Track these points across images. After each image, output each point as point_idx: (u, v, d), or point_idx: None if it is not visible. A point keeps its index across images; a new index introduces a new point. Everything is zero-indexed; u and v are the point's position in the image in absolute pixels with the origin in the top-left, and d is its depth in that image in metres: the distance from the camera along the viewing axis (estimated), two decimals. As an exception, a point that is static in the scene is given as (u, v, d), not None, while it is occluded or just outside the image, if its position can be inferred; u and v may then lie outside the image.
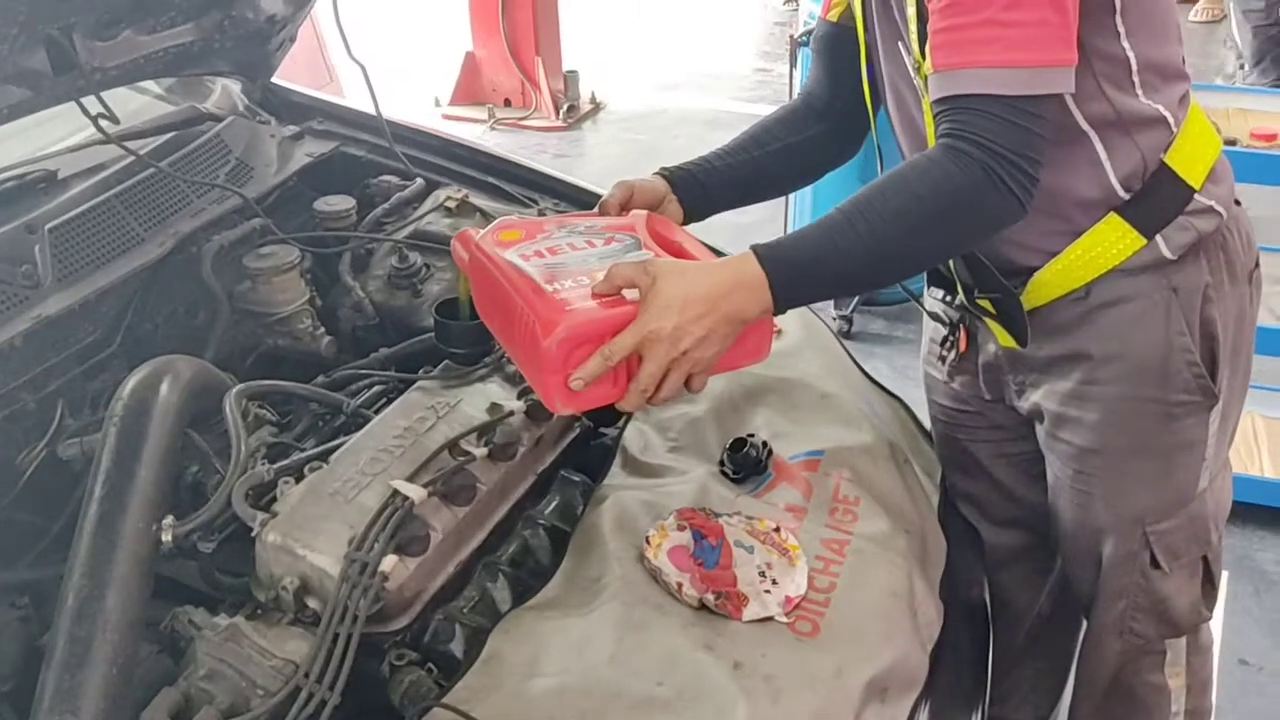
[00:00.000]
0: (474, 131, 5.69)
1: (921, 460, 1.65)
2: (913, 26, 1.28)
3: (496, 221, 1.39)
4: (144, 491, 1.27)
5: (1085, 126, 1.29)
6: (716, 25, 7.46)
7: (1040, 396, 1.47)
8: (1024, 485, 1.65)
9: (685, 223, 1.45)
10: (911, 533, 1.43)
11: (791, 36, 3.40)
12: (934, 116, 1.21)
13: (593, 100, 6.03)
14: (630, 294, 1.18)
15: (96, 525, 1.23)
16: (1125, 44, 1.26)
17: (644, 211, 1.40)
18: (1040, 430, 1.51)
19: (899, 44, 1.36)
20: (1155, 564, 1.46)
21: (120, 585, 1.19)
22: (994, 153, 1.14)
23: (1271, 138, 2.50)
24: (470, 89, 6.01)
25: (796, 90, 3.53)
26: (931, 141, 1.32)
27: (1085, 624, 1.62)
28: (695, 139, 5.30)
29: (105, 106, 1.57)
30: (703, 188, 1.47)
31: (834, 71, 1.55)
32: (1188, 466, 1.42)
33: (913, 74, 1.33)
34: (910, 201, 1.18)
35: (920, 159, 1.20)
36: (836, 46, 1.53)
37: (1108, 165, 1.30)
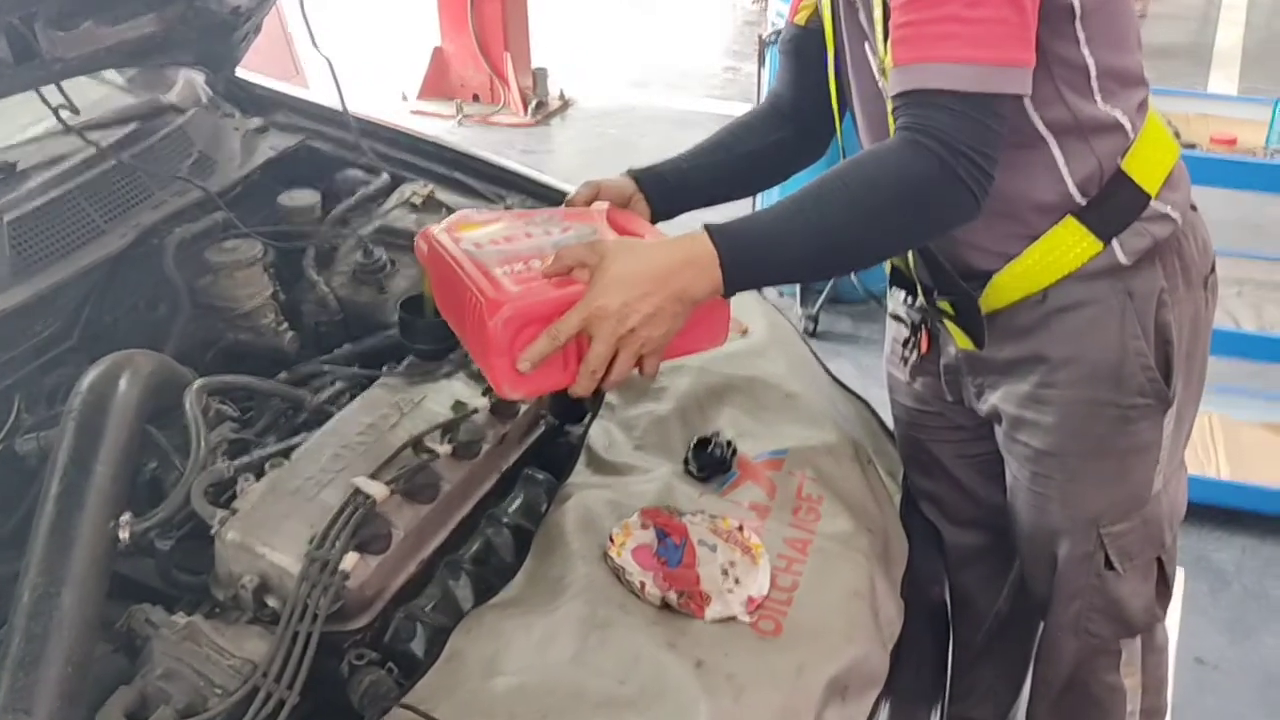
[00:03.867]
0: (442, 127, 5.67)
1: (884, 460, 1.66)
2: (879, 29, 1.29)
3: (455, 214, 1.38)
4: (101, 489, 1.26)
5: (1043, 131, 1.30)
6: (685, 23, 7.46)
7: (998, 399, 1.48)
8: (984, 486, 1.66)
9: (652, 223, 1.45)
10: (874, 532, 1.44)
11: (760, 36, 3.41)
12: (893, 111, 1.22)
13: (561, 97, 6.01)
14: (581, 275, 1.17)
15: (53, 523, 1.22)
16: (1085, 50, 1.27)
17: (605, 204, 1.40)
18: (999, 432, 1.53)
19: (865, 46, 1.37)
20: (1110, 565, 1.48)
21: (76, 583, 1.18)
22: (950, 147, 1.14)
23: (1231, 142, 2.53)
24: (438, 84, 5.98)
25: (765, 90, 3.55)
26: None
27: (1043, 624, 1.63)
28: (664, 137, 5.30)
29: (65, 97, 1.55)
30: (670, 188, 1.47)
31: (801, 74, 1.55)
32: (1142, 469, 1.44)
33: (878, 77, 1.33)
34: (864, 190, 1.18)
35: (878, 149, 1.20)
36: (804, 50, 1.53)
37: (1065, 170, 1.32)
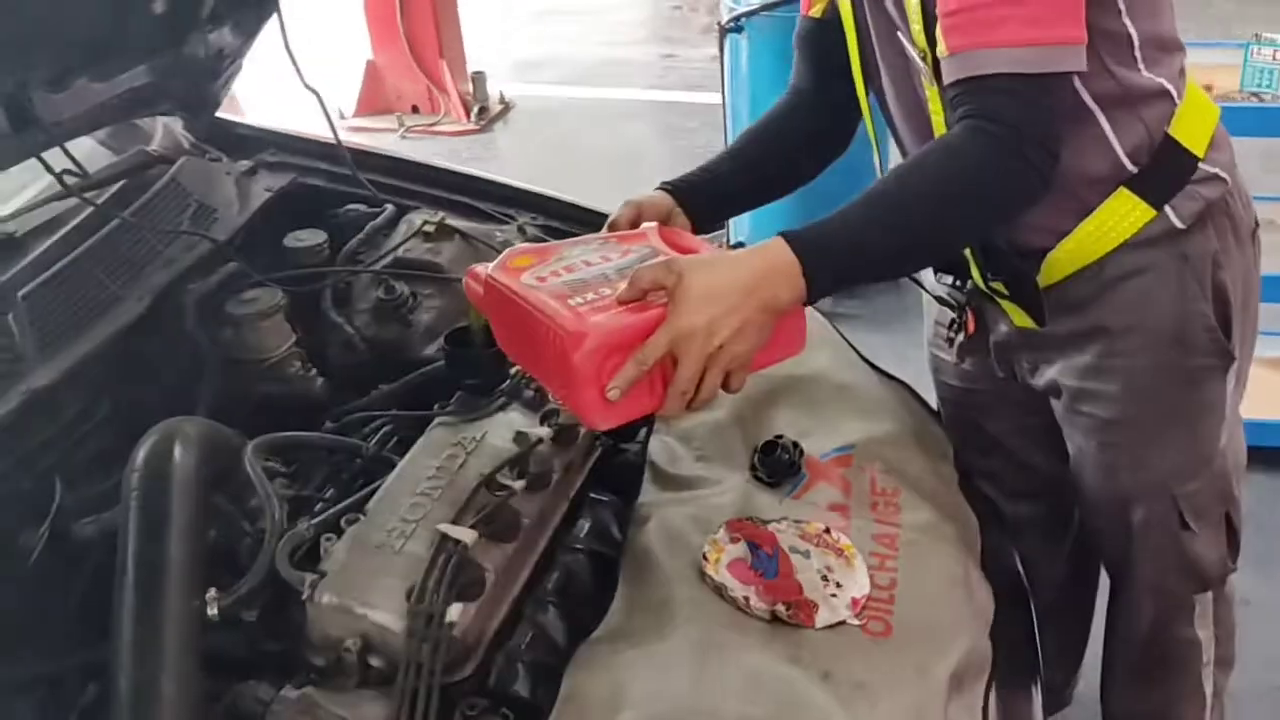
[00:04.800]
0: (385, 142, 5.58)
1: (935, 442, 1.65)
2: (914, 16, 1.28)
3: (506, 251, 1.35)
4: (179, 566, 1.22)
5: (1091, 104, 1.30)
6: (609, 13, 7.39)
7: (1057, 373, 1.49)
8: (1040, 457, 1.67)
9: (695, 234, 1.44)
10: (952, 518, 1.44)
11: (719, 24, 3.39)
12: (951, 100, 1.21)
13: (502, 100, 5.94)
14: (656, 297, 1.15)
15: (137, 609, 1.18)
16: (1126, 20, 1.28)
17: (654, 223, 1.38)
18: (1058, 405, 1.53)
19: (897, 34, 1.36)
20: (1185, 524, 1.49)
21: (174, 669, 1.14)
22: (1016, 131, 1.14)
23: (1208, 89, 2.56)
24: (374, 98, 5.88)
25: (728, 77, 3.54)
26: (939, 128, 1.33)
27: (1113, 587, 1.65)
28: (612, 130, 5.27)
29: (73, 160, 1.49)
30: (707, 197, 1.46)
31: (821, 67, 1.54)
32: (1209, 427, 1.46)
33: (919, 61, 1.32)
34: (938, 183, 1.17)
35: (945, 140, 1.20)
36: (821, 42, 1.52)
37: (1114, 141, 1.32)
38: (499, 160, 5.42)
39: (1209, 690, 1.64)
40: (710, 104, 5.41)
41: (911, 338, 3.63)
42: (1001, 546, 1.61)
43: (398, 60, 5.74)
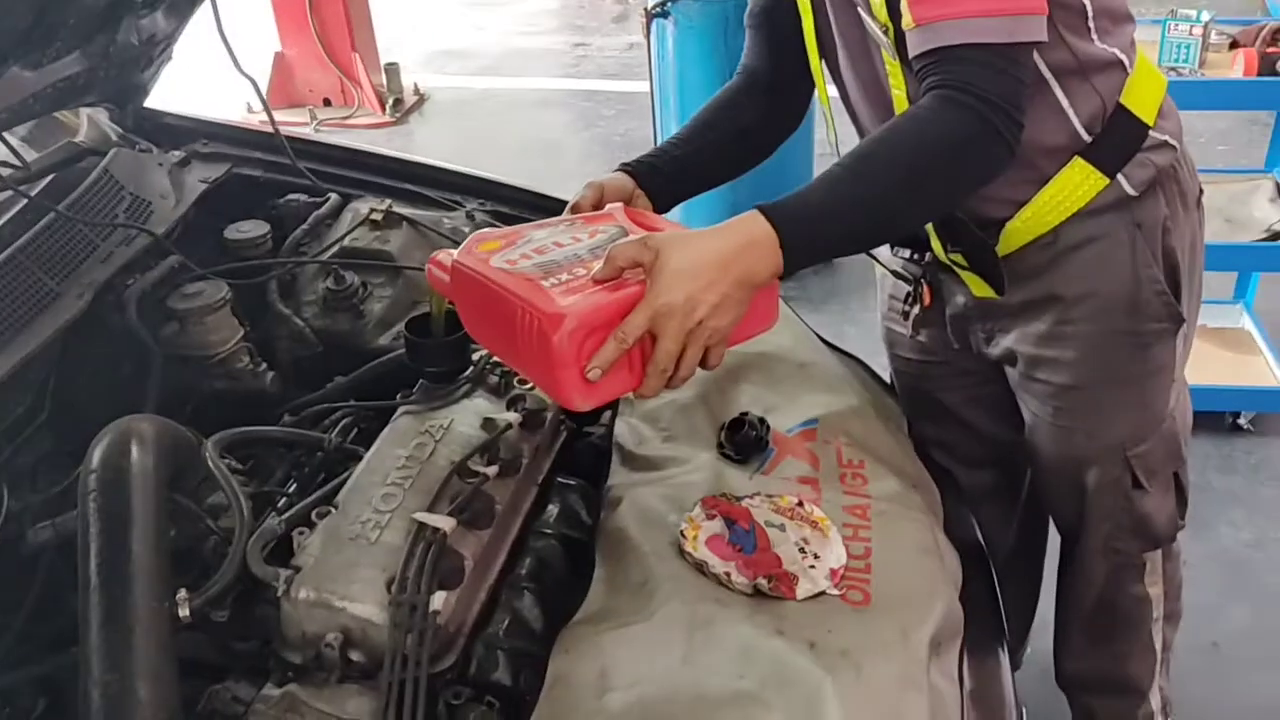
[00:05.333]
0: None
1: (890, 414, 1.68)
2: None
3: (472, 236, 1.33)
4: (145, 567, 1.17)
5: (1047, 74, 1.33)
6: (515, 1, 7.33)
7: (1012, 341, 1.52)
8: (993, 425, 1.71)
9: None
10: (918, 486, 1.47)
11: (646, 9, 3.39)
12: (918, 71, 1.22)
13: (416, 91, 5.86)
14: (633, 274, 1.15)
15: (105, 614, 1.13)
16: None
17: (619, 204, 1.37)
18: (1013, 373, 1.57)
19: (855, 8, 1.37)
20: (1137, 484, 1.54)
21: (149, 673, 1.10)
22: (988, 101, 1.16)
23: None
24: (284, 92, 5.75)
25: (655, 62, 3.54)
26: (899, 103, 1.34)
27: (1064, 548, 1.69)
28: (531, 120, 5.23)
29: (14, 151, 1.43)
30: (667, 178, 1.46)
31: (775, 44, 1.55)
32: (1159, 389, 1.51)
33: (880, 35, 1.32)
34: (912, 154, 1.18)
35: (915, 111, 1.20)
36: (775, 19, 1.53)
37: (1070, 111, 1.35)
38: (417, 152, 5.33)
39: (1159, 645, 1.70)
40: (625, 92, 5.44)
41: (846, 315, 3.71)
42: (960, 513, 1.64)
43: (308, 52, 5.62)
